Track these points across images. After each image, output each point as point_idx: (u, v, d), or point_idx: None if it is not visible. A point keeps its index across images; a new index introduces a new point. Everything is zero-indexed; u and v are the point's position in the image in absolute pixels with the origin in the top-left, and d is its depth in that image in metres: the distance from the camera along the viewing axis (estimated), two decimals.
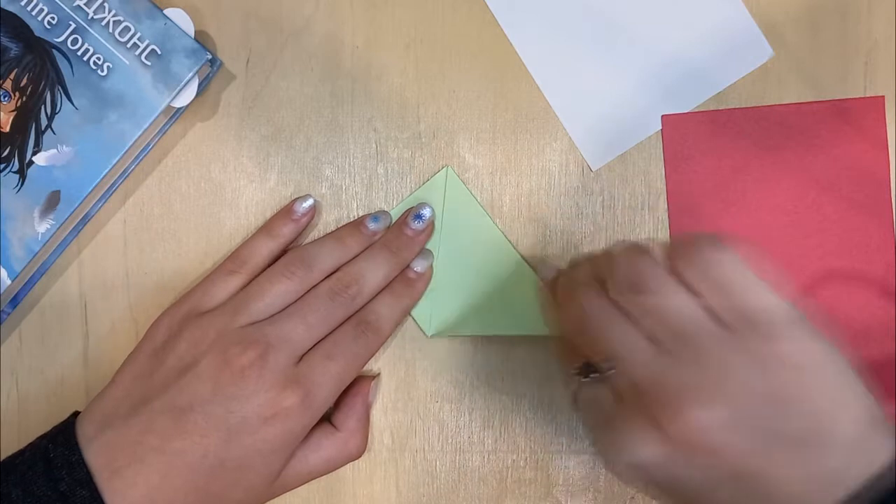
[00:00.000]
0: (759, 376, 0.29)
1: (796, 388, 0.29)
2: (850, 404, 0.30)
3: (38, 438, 0.36)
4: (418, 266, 0.41)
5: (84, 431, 0.35)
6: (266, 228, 0.41)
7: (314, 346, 0.37)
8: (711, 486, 0.29)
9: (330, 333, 0.38)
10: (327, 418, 0.40)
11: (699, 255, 0.32)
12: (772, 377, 0.29)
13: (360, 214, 0.42)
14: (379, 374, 0.42)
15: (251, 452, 0.35)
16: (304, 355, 0.37)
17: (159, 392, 0.36)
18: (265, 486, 0.37)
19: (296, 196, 0.42)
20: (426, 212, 0.41)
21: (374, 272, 0.39)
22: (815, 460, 0.29)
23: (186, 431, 0.35)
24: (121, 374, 0.37)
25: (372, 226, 0.41)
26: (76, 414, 0.37)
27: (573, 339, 0.35)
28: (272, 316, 0.37)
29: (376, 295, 0.39)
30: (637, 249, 0.33)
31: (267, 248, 0.40)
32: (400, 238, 0.40)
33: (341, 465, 0.39)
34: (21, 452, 0.36)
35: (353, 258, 0.40)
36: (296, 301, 0.38)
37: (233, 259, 0.39)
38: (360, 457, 0.40)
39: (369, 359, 0.39)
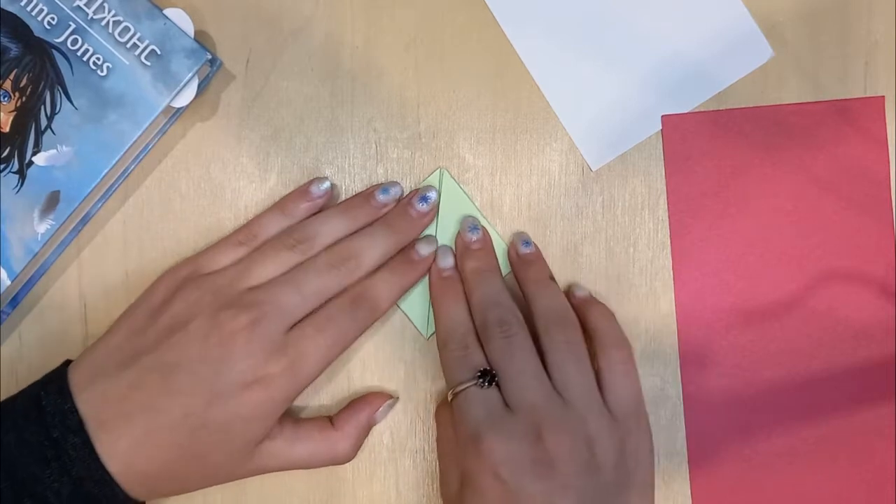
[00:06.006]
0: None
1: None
2: None
3: (30, 386, 0.37)
4: (423, 250, 0.40)
5: (76, 380, 0.36)
6: (280, 205, 0.40)
7: (307, 315, 0.37)
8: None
9: (324, 305, 0.38)
10: (328, 416, 0.40)
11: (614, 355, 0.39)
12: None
13: None
14: (397, 398, 0.42)
15: (233, 416, 0.36)
16: (296, 324, 0.37)
17: (150, 349, 0.36)
18: (245, 453, 0.37)
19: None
20: (431, 195, 0.41)
21: (374, 249, 0.39)
22: None
23: (172, 390, 0.35)
24: (116, 328, 0.38)
25: (381, 197, 0.40)
26: (68, 363, 0.37)
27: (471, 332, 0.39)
28: (269, 282, 0.37)
29: (375, 271, 0.39)
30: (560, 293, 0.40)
31: (278, 225, 0.40)
32: (403, 218, 0.40)
33: (324, 465, 0.39)
34: (13, 399, 0.36)
35: (355, 233, 0.39)
36: (294, 268, 0.38)
37: (243, 231, 0.40)
38: (344, 462, 0.40)
39: (361, 334, 0.38)
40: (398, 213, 0.40)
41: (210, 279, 0.37)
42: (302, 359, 0.36)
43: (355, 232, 0.39)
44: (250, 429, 0.36)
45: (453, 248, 0.41)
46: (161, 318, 0.37)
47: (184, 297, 0.37)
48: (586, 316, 0.40)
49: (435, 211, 0.41)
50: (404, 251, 0.40)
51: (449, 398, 0.38)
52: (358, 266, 0.38)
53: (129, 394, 0.35)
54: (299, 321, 0.37)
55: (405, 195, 0.41)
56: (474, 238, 0.41)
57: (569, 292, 0.41)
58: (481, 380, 0.37)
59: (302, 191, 0.41)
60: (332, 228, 0.39)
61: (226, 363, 0.35)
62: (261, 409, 0.36)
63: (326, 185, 0.41)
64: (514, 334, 0.38)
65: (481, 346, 0.38)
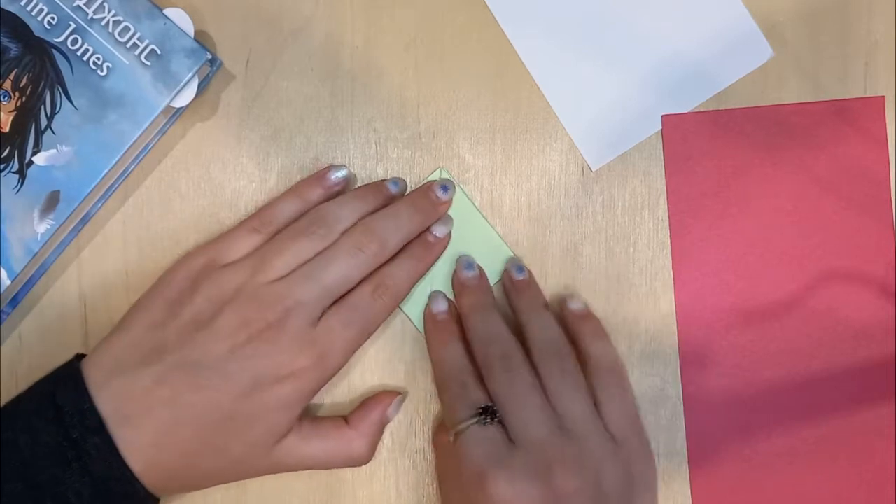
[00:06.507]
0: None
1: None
2: None
3: (40, 383, 0.36)
4: (438, 231, 0.40)
5: (92, 377, 0.35)
6: (295, 191, 0.40)
7: (332, 306, 0.37)
8: None
9: (348, 294, 0.38)
10: (343, 415, 0.40)
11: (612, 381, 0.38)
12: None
13: None
14: (406, 394, 0.42)
15: (261, 408, 0.36)
16: (321, 315, 0.37)
17: (174, 345, 0.36)
18: (266, 447, 0.37)
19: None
20: (450, 186, 0.41)
21: (397, 230, 0.39)
22: None
23: (200, 386, 0.35)
24: (132, 321, 0.37)
25: (393, 188, 0.41)
26: (79, 357, 0.37)
27: (470, 370, 0.39)
28: (291, 273, 0.37)
29: (393, 257, 0.39)
30: (558, 329, 0.39)
31: (292, 211, 0.39)
32: (426, 200, 0.40)
33: (340, 465, 0.39)
34: (21, 398, 0.35)
35: (375, 213, 0.39)
36: (315, 257, 0.37)
37: (258, 217, 0.39)
38: (361, 464, 0.39)
39: (384, 321, 0.39)
40: (421, 193, 0.41)
41: (229, 273, 0.37)
42: (331, 352, 0.37)
43: (372, 213, 0.39)
44: (276, 420, 0.36)
45: (451, 282, 0.41)
46: (182, 313, 0.36)
47: (205, 293, 0.36)
48: (578, 335, 0.40)
49: (450, 204, 0.41)
50: (421, 235, 0.40)
51: (451, 439, 0.37)
52: (381, 249, 0.38)
53: (154, 389, 0.35)
54: (326, 311, 0.37)
55: (421, 185, 0.41)
56: (470, 275, 0.41)
57: (562, 304, 0.41)
58: (483, 416, 0.36)
59: (318, 177, 0.40)
60: (349, 213, 0.39)
61: (255, 360, 0.35)
62: (288, 400, 0.36)
63: (343, 172, 0.41)
64: (517, 368, 0.37)
65: (480, 382, 0.38)
